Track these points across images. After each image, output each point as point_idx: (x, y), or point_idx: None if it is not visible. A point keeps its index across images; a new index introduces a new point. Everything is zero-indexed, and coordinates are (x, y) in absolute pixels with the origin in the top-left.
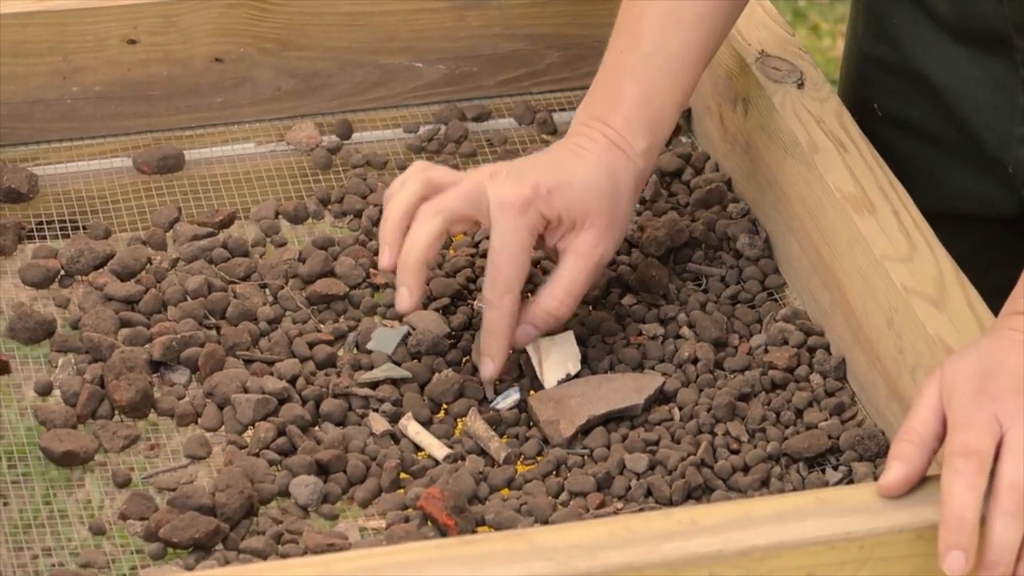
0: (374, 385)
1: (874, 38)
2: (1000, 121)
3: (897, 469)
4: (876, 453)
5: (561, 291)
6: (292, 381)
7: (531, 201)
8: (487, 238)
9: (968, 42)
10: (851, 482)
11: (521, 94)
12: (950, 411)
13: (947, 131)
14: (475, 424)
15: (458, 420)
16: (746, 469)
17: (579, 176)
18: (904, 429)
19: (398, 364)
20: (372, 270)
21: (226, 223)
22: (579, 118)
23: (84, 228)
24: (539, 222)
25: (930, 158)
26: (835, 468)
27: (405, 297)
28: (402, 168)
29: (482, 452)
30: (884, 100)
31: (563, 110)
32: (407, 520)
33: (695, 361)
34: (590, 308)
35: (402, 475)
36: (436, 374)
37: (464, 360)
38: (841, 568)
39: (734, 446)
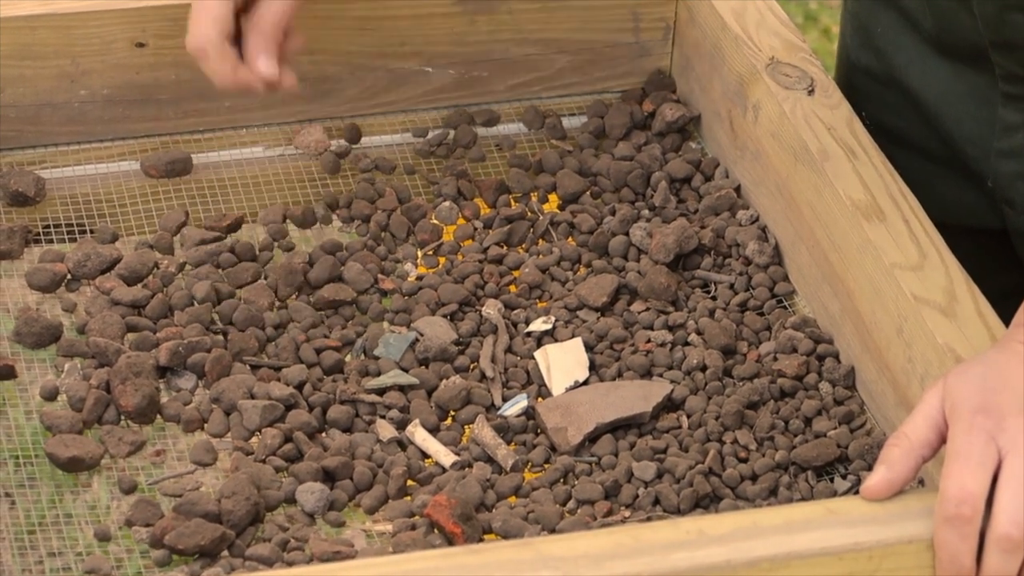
0: (381, 391)
1: (861, 47)
2: (981, 134)
3: (880, 473)
4: None
5: None
6: (299, 387)
7: None
8: (496, 244)
9: (950, 55)
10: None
11: (530, 99)
12: (950, 428)
13: (931, 142)
14: (482, 431)
15: (465, 427)
16: (754, 478)
17: None
18: (895, 434)
19: (405, 370)
20: (380, 275)
21: (234, 227)
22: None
23: (91, 232)
24: None
25: (916, 168)
26: (844, 477)
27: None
28: (411, 173)
29: (489, 459)
30: (871, 110)
31: (572, 115)
32: (413, 528)
33: (703, 369)
34: (598, 315)
35: (409, 482)
36: (444, 381)
37: (472, 366)
38: None
39: (742, 455)
